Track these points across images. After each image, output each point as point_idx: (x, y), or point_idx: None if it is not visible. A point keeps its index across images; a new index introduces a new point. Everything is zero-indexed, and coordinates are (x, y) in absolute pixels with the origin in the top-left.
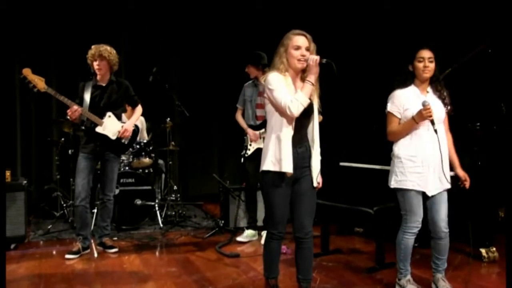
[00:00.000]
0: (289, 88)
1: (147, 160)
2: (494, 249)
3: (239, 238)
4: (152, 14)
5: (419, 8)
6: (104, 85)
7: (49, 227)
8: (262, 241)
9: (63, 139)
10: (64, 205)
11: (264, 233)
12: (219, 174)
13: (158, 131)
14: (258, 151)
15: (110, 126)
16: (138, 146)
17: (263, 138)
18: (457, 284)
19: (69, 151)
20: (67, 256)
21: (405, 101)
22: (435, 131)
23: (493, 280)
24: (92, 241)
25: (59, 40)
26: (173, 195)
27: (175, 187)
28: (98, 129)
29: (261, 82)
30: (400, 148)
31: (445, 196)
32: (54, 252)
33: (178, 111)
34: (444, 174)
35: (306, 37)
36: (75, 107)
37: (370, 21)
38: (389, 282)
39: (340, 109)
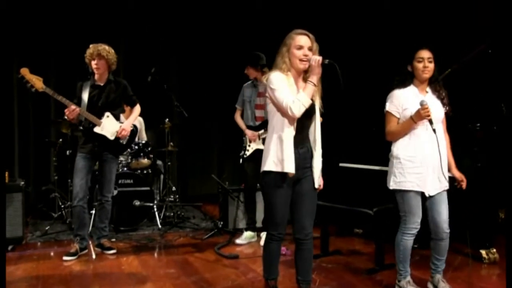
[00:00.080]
0: (291, 88)
1: (145, 160)
2: (494, 250)
3: (237, 241)
4: (151, 14)
5: (419, 8)
6: (102, 84)
7: (47, 228)
8: (261, 242)
9: (61, 140)
10: (62, 206)
11: (263, 234)
12: (218, 175)
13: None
14: (257, 152)
15: (108, 126)
16: (136, 147)
17: (262, 139)
18: (457, 285)
19: (67, 152)
20: (65, 258)
21: (404, 101)
22: (434, 130)
23: (494, 282)
24: (90, 242)
25: (57, 39)
26: (172, 196)
27: (173, 188)
28: (96, 129)
29: (260, 83)
30: (399, 148)
31: (445, 196)
32: (52, 254)
33: (177, 112)
34: (443, 174)
35: (308, 36)
36: (73, 106)
37: (369, 21)
38: (389, 284)
39: (340, 109)
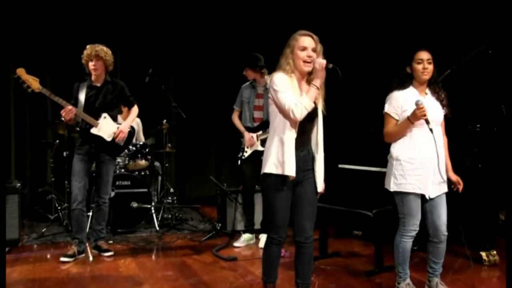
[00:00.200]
0: (294, 90)
1: (143, 162)
2: (495, 252)
3: (236, 243)
4: (149, 15)
5: (419, 9)
6: (99, 85)
7: (43, 230)
8: (260, 245)
9: (57, 141)
10: (59, 208)
11: (261, 236)
12: (216, 177)
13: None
14: (255, 154)
15: (105, 128)
16: (134, 148)
17: (261, 140)
18: (456, 287)
19: (64, 153)
20: (62, 259)
21: (403, 102)
22: (431, 130)
23: (494, 284)
24: (87, 244)
25: (54, 40)
26: (170, 198)
27: (171, 190)
28: (93, 130)
29: (259, 84)
30: (399, 150)
31: (444, 199)
32: (48, 256)
33: (174, 113)
34: (440, 174)
35: (312, 38)
36: (69, 107)
37: (369, 21)
38: (389, 286)
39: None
